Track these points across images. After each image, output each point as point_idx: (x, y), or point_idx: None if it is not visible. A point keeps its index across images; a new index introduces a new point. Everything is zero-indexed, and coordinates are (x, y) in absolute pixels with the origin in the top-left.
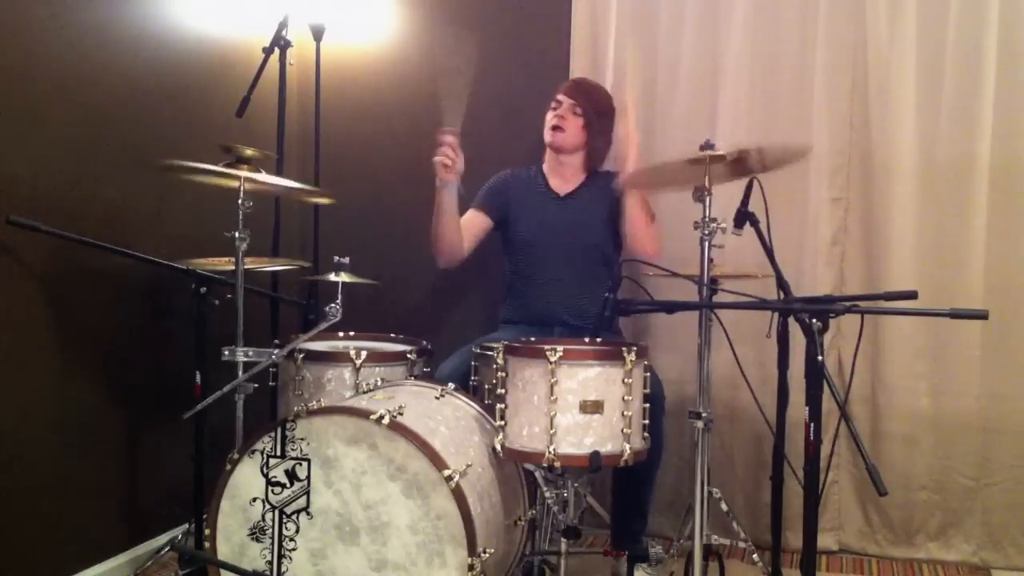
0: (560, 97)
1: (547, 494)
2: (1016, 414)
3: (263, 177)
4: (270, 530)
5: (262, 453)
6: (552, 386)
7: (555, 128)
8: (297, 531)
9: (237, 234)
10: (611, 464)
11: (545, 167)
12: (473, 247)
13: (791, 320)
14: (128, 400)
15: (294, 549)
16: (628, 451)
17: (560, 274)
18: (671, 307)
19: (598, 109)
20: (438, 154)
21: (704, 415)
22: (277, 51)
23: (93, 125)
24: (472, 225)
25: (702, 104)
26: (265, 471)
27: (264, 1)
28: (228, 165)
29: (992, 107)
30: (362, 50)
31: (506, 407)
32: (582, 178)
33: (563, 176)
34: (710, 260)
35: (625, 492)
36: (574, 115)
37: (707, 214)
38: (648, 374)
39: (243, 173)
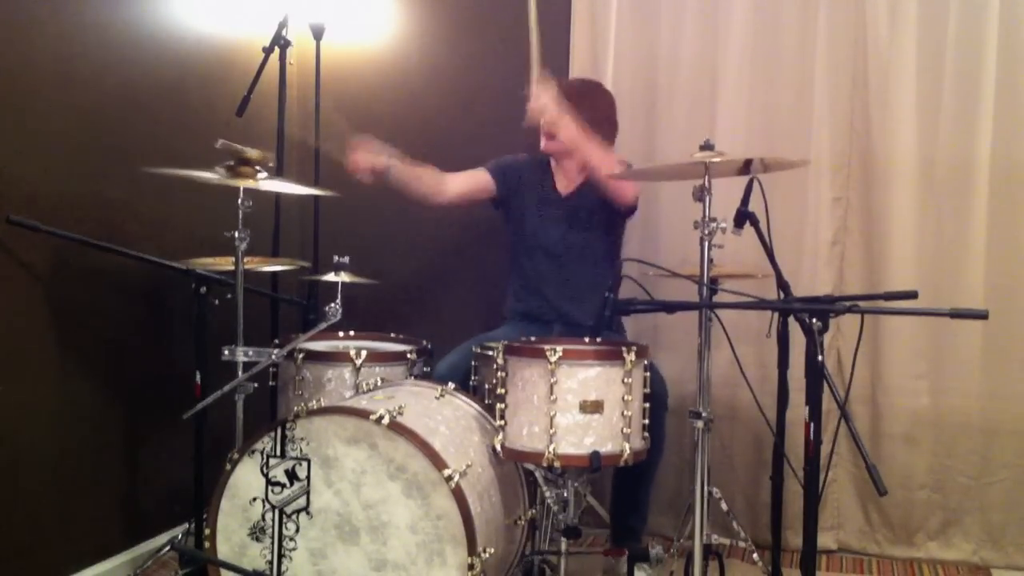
0: None
1: (547, 494)
2: (1016, 414)
3: (263, 185)
4: (270, 530)
5: (262, 453)
6: (552, 386)
7: (547, 136)
8: (297, 531)
9: (237, 234)
10: (611, 464)
11: (552, 166)
12: (463, 195)
13: (791, 320)
14: (128, 400)
15: (294, 549)
16: (628, 451)
17: (559, 273)
18: (671, 307)
19: (590, 105)
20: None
21: (704, 415)
22: (277, 51)
23: (93, 125)
24: (473, 179)
25: (702, 104)
26: (265, 471)
27: (264, 1)
28: (228, 167)
29: (992, 107)
30: (362, 50)
31: (506, 407)
32: (584, 176)
33: (567, 176)
34: (710, 260)
35: (625, 490)
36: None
37: (707, 214)
38: (648, 374)
39: (242, 183)
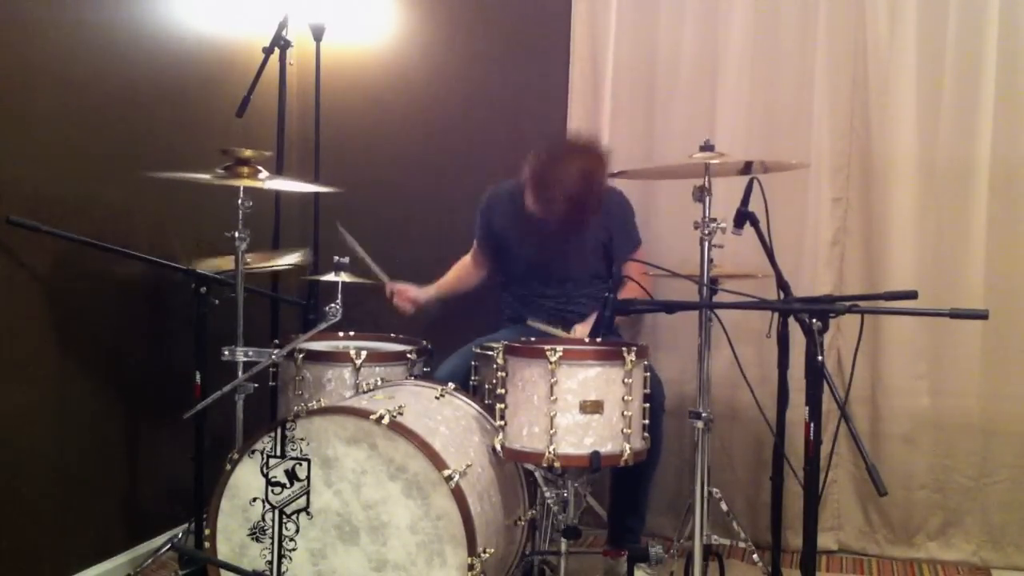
0: None
1: (547, 494)
2: (1016, 414)
3: (265, 184)
4: (270, 530)
5: (262, 453)
6: (552, 386)
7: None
8: (297, 531)
9: (237, 234)
10: (611, 464)
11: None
12: (486, 269)
13: (791, 320)
14: (128, 400)
15: (294, 549)
16: (628, 451)
17: (551, 293)
18: (671, 307)
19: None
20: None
21: (704, 415)
22: (277, 51)
23: (93, 125)
24: (480, 256)
25: (702, 104)
26: (265, 471)
27: (264, 1)
28: (228, 167)
29: (992, 107)
30: (362, 50)
31: (506, 407)
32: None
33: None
34: (710, 260)
35: (624, 491)
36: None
37: (707, 214)
38: (648, 374)
39: (242, 183)
